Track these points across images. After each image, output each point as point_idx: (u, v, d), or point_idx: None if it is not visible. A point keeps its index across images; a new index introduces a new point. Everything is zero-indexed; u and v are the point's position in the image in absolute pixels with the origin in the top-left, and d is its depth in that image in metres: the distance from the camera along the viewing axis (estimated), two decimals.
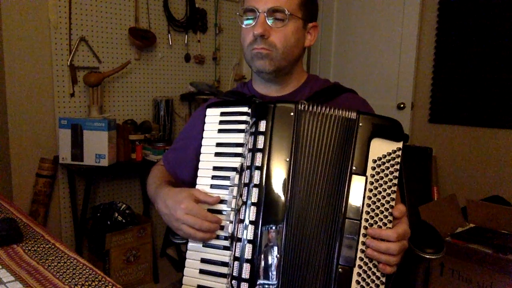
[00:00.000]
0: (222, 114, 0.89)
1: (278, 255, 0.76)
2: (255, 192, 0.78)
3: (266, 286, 0.76)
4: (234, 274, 0.78)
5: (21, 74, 2.25)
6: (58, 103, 2.38)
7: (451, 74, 2.49)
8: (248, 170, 0.80)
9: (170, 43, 2.82)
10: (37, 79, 2.31)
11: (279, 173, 0.79)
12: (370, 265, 0.77)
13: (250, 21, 0.96)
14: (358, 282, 0.76)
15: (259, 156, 0.80)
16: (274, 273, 0.76)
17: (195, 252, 0.84)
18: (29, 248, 0.93)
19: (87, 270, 0.83)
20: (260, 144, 0.80)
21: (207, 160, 0.88)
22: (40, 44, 2.30)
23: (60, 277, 0.80)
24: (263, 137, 0.80)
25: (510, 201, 2.20)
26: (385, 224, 0.78)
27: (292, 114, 0.82)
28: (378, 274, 0.77)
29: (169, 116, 2.73)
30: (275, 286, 0.76)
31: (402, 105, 2.73)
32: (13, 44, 2.21)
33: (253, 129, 0.82)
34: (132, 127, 2.52)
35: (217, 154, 0.87)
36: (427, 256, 1.16)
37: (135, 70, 2.69)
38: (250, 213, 0.78)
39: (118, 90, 2.63)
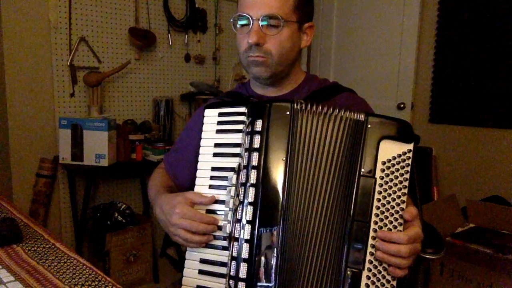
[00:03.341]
0: (220, 114, 0.89)
1: (275, 256, 0.76)
2: (251, 191, 0.78)
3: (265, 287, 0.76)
4: (231, 274, 0.77)
5: (21, 74, 2.26)
6: (58, 103, 2.39)
7: (451, 74, 2.49)
8: (245, 170, 0.80)
9: (170, 43, 2.82)
10: (37, 79, 2.31)
11: (275, 172, 0.79)
12: (380, 268, 0.76)
13: (244, 21, 0.95)
14: (367, 286, 0.76)
15: (255, 155, 0.79)
16: (272, 274, 0.76)
17: (194, 253, 0.84)
18: (29, 248, 0.93)
19: (87, 270, 0.84)
20: (256, 144, 0.80)
21: (206, 161, 0.88)
22: (40, 44, 2.30)
23: (60, 277, 0.80)
24: (260, 136, 0.80)
25: (510, 201, 2.20)
26: (395, 227, 0.77)
27: (288, 113, 0.81)
28: (388, 277, 0.76)
29: (169, 116, 2.73)
30: None
31: (402, 105, 2.72)
32: (13, 44, 2.22)
33: (250, 129, 0.82)
34: (132, 127, 2.52)
35: (216, 155, 0.87)
36: (427, 256, 1.16)
37: (135, 70, 2.69)
38: (247, 213, 0.77)
39: (118, 90, 2.63)
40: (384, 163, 0.78)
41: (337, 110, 0.82)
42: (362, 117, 0.81)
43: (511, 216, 1.93)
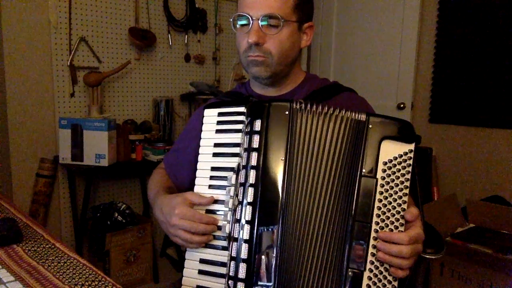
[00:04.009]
0: (220, 114, 0.89)
1: (274, 256, 0.76)
2: (250, 191, 0.78)
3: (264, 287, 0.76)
4: (230, 274, 0.77)
5: (21, 74, 2.26)
6: (58, 103, 2.39)
7: (451, 74, 2.49)
8: (244, 170, 0.80)
9: (170, 43, 2.82)
10: (37, 79, 2.31)
11: (274, 172, 0.79)
12: (381, 268, 0.76)
13: (244, 21, 0.95)
14: (368, 286, 0.76)
15: (254, 155, 0.79)
16: (271, 274, 0.76)
17: (194, 253, 0.84)
18: (29, 248, 0.93)
19: (87, 270, 0.84)
20: (255, 144, 0.80)
21: (205, 161, 0.88)
22: (40, 44, 2.30)
23: (60, 277, 0.80)
24: (258, 136, 0.80)
25: (510, 201, 2.20)
26: (396, 228, 0.77)
27: (287, 113, 0.81)
28: (389, 278, 0.76)
29: (169, 116, 2.73)
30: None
31: (402, 105, 2.72)
32: (13, 44, 2.22)
33: (249, 129, 0.81)
34: (132, 127, 2.52)
35: (215, 155, 0.87)
36: (427, 256, 1.16)
37: (135, 70, 2.69)
38: (246, 213, 0.77)
39: (118, 90, 2.63)
40: (385, 163, 0.78)
41: (338, 110, 0.81)
42: (363, 117, 0.81)
43: (511, 216, 1.93)
